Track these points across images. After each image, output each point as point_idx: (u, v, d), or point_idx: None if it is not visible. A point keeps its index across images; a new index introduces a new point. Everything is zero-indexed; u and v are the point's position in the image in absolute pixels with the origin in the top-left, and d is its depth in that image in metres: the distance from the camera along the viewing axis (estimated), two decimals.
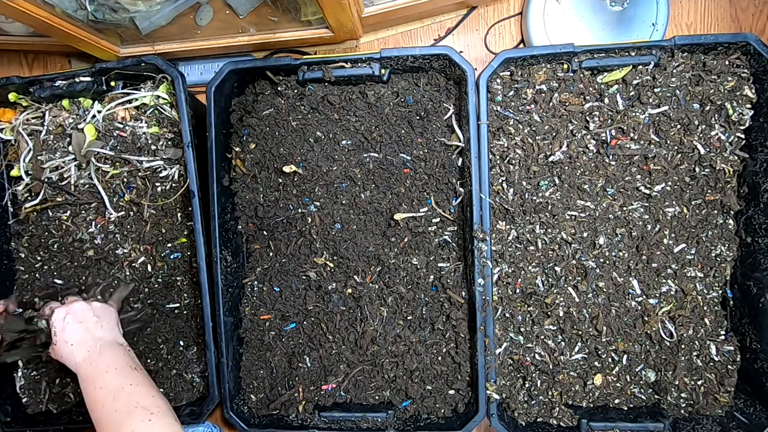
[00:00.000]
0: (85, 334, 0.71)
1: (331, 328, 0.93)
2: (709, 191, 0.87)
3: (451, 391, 0.91)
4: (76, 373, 0.69)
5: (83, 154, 0.93)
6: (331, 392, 0.92)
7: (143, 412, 0.63)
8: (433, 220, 0.92)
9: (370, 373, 0.93)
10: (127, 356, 0.70)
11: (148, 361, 0.96)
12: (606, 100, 0.87)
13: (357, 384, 0.93)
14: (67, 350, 0.70)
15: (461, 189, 0.90)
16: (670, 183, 0.87)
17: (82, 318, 0.73)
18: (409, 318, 0.91)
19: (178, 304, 0.97)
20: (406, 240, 0.92)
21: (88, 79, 0.93)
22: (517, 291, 0.90)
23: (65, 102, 0.96)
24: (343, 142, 0.93)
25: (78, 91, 0.94)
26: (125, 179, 0.96)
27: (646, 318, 0.88)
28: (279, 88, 0.93)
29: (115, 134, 0.94)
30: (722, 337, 0.89)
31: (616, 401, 0.90)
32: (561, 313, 0.89)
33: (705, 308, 0.89)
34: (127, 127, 0.94)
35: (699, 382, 0.88)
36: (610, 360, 0.90)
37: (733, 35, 0.82)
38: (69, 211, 0.98)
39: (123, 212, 0.97)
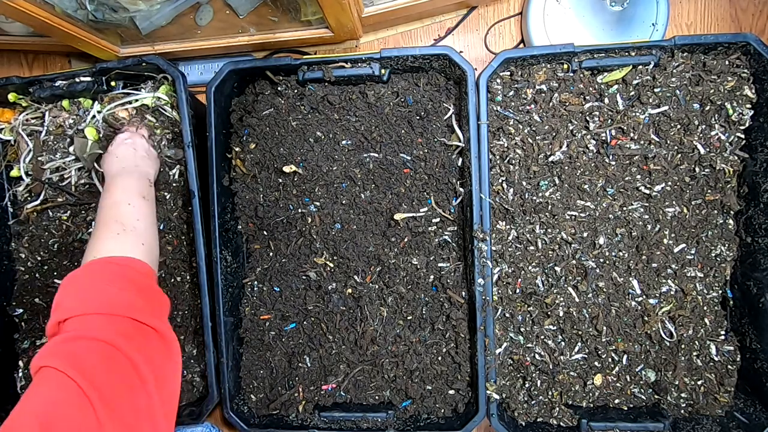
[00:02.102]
0: (130, 157, 0.83)
1: (331, 328, 0.93)
2: (709, 191, 0.87)
3: (451, 391, 0.91)
4: (105, 179, 0.80)
5: (86, 158, 0.93)
6: (331, 392, 0.92)
7: (118, 226, 0.70)
8: (433, 220, 0.92)
9: (370, 373, 0.93)
10: (145, 188, 0.79)
11: None
12: (606, 100, 0.87)
13: (357, 384, 0.93)
14: (110, 160, 0.82)
15: (461, 189, 0.90)
16: (670, 183, 0.87)
17: (138, 147, 0.85)
18: (409, 318, 0.91)
19: (177, 304, 0.97)
20: (406, 240, 0.92)
21: (89, 79, 0.93)
22: (517, 291, 0.90)
23: (65, 102, 0.96)
24: (343, 142, 0.93)
25: (78, 92, 0.94)
26: None
27: (646, 318, 0.88)
28: (279, 88, 0.93)
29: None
30: (722, 337, 0.89)
31: (616, 401, 0.90)
32: (561, 313, 0.89)
33: (705, 308, 0.89)
34: None
35: (699, 382, 0.88)
36: (610, 360, 0.90)
37: (733, 35, 0.82)
38: (69, 212, 0.98)
39: None
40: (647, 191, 0.88)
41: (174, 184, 0.95)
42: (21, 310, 1.00)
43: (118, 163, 0.81)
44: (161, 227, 0.96)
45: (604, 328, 0.89)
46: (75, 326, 0.57)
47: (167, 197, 0.94)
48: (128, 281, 0.64)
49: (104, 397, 0.50)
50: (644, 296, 0.89)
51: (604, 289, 0.89)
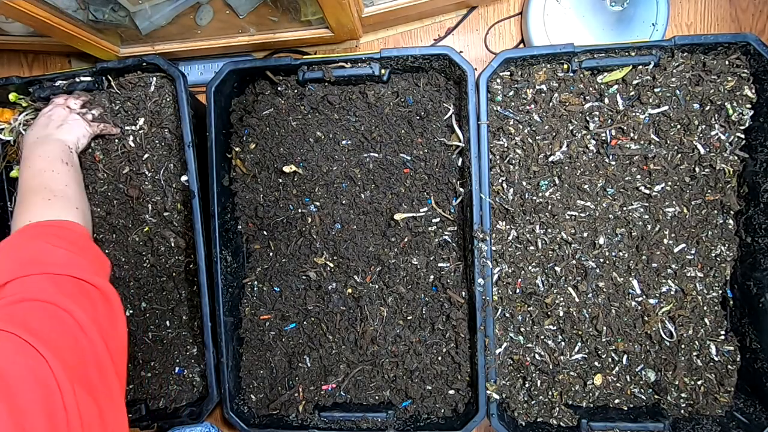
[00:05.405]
0: (46, 127, 0.80)
1: (331, 328, 0.93)
2: (709, 191, 0.87)
3: (451, 391, 0.91)
4: (23, 152, 0.77)
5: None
6: (331, 392, 0.92)
7: (47, 192, 0.69)
8: (433, 220, 0.92)
9: (370, 373, 0.93)
10: (65, 154, 0.76)
11: (148, 361, 0.96)
12: (606, 100, 0.87)
13: (357, 384, 0.93)
14: (27, 133, 0.80)
15: (461, 189, 0.90)
16: (670, 183, 0.87)
17: (54, 117, 0.82)
18: (409, 318, 0.92)
19: (177, 304, 0.97)
20: (406, 240, 0.92)
21: (89, 79, 0.93)
22: (517, 291, 0.90)
23: None
24: (343, 142, 0.93)
25: (78, 91, 0.93)
26: None
27: (646, 318, 0.88)
28: (279, 88, 0.93)
29: None
30: (722, 337, 0.89)
31: (616, 401, 0.90)
32: (561, 313, 0.89)
33: (705, 308, 0.89)
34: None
35: (699, 382, 0.88)
36: (610, 360, 0.90)
37: (733, 35, 0.82)
38: None
39: None
40: (647, 191, 0.88)
41: (173, 184, 0.95)
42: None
43: (32, 134, 0.80)
44: (161, 227, 0.96)
45: (604, 328, 0.89)
46: (16, 289, 0.56)
47: (167, 196, 0.94)
48: (67, 242, 0.63)
49: (58, 355, 0.49)
50: (644, 296, 0.89)
51: (604, 289, 0.89)
